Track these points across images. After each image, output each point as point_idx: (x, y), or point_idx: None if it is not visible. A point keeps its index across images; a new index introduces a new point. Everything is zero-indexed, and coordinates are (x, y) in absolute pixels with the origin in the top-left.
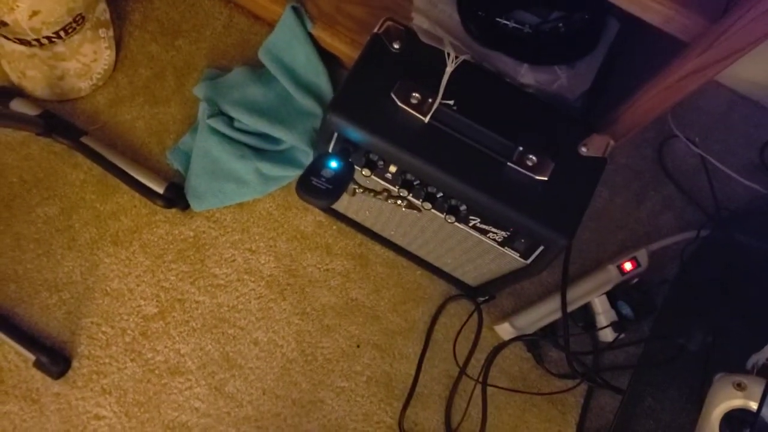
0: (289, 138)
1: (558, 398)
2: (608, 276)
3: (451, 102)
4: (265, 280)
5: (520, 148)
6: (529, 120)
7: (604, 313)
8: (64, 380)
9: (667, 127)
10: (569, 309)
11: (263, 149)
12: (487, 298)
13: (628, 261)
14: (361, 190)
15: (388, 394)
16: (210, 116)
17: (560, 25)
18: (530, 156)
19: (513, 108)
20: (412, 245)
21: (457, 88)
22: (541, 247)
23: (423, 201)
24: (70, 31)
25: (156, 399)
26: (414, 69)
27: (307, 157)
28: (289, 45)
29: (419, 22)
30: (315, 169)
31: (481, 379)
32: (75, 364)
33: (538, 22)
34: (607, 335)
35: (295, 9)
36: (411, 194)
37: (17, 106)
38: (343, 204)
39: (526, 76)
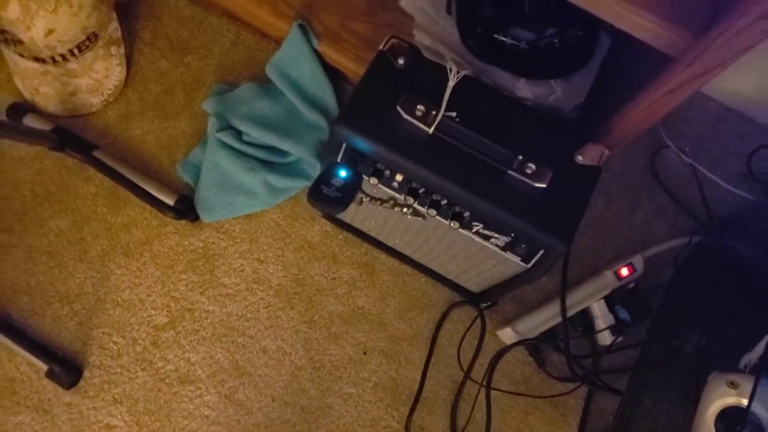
0: (296, 150)
1: (559, 401)
2: (606, 281)
3: (454, 114)
4: (274, 290)
5: (520, 157)
6: (527, 131)
7: (602, 318)
8: (75, 390)
9: (659, 138)
10: (569, 314)
11: (271, 162)
12: (489, 304)
13: (624, 267)
14: (368, 199)
15: (395, 399)
16: (219, 130)
17: (555, 41)
18: (529, 164)
19: (512, 119)
20: (416, 253)
21: (459, 101)
22: (541, 252)
23: (428, 208)
24: (83, 48)
25: (167, 407)
26: (418, 83)
27: (313, 169)
28: (295, 61)
29: (420, 38)
30: (325, 178)
31: (485, 383)
32: (86, 374)
33: (534, 39)
34: (606, 339)
35: (301, 26)
36: (417, 202)
37: (30, 121)
38: (349, 214)
39: (524, 89)
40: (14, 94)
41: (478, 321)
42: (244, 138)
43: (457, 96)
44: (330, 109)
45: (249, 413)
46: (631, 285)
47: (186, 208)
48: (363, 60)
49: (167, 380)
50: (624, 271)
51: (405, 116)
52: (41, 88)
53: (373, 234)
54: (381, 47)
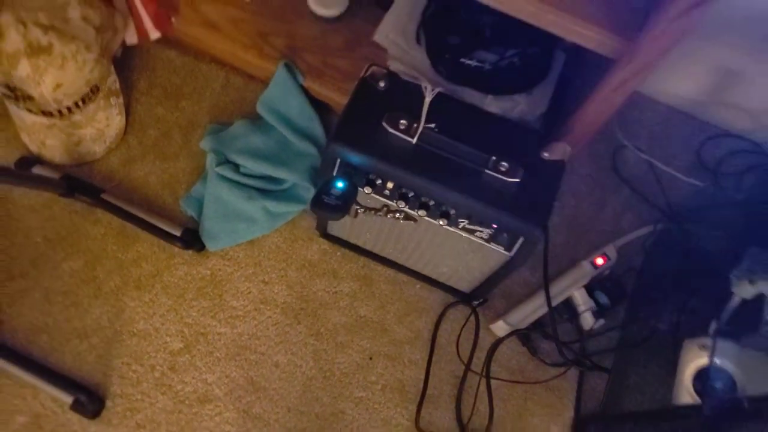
0: (290, 177)
1: (554, 385)
2: (584, 271)
3: (433, 125)
4: (280, 308)
5: (494, 158)
6: (498, 135)
7: (584, 304)
8: (99, 420)
9: (618, 140)
10: (553, 303)
11: (268, 190)
12: (481, 301)
13: (599, 257)
14: (363, 211)
15: (403, 398)
16: (218, 164)
17: (515, 60)
18: (503, 163)
19: (484, 126)
20: (410, 260)
21: (436, 114)
22: (521, 239)
23: (418, 210)
24: (86, 100)
25: (188, 428)
26: (399, 101)
27: (308, 193)
28: (283, 97)
29: (395, 67)
30: (325, 189)
31: (484, 373)
32: (109, 403)
33: (496, 60)
34: (589, 322)
35: (287, 65)
36: (407, 205)
37: (39, 171)
38: (345, 230)
39: (491, 105)
40: (21, 149)
41: (473, 318)
42: (242, 170)
43: (434, 110)
44: (318, 137)
45: (267, 425)
46: (607, 272)
47: (192, 239)
48: (345, 90)
49: (187, 402)
50: (599, 261)
51: (390, 130)
52: (48, 140)
53: (368, 247)
54: (363, 74)
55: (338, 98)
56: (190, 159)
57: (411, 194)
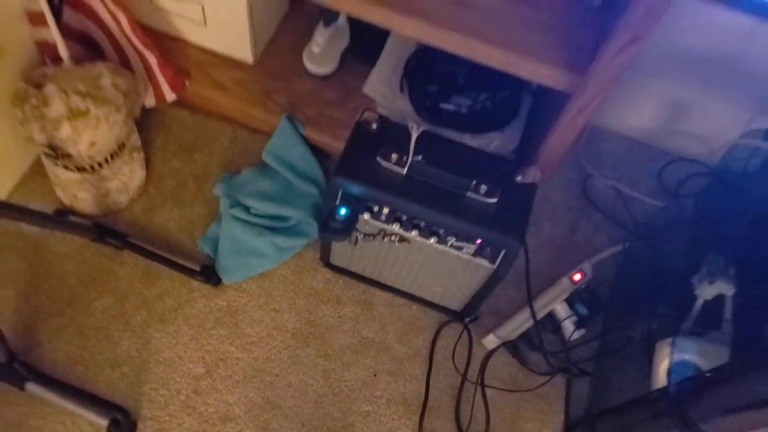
0: (295, 215)
1: (544, 392)
2: (563, 287)
3: (420, 157)
4: (291, 333)
5: (474, 182)
6: (477, 163)
7: (566, 316)
8: None
9: (585, 169)
10: (538, 317)
11: (276, 227)
12: (472, 318)
13: (576, 273)
14: (362, 236)
15: (406, 410)
16: (231, 207)
17: (488, 103)
18: (482, 186)
19: (464, 157)
20: (406, 283)
21: (423, 148)
22: (503, 251)
23: (411, 231)
24: (114, 156)
25: None
26: (390, 139)
27: (311, 228)
28: (286, 145)
29: (384, 112)
30: (331, 216)
31: (479, 382)
32: (140, 425)
33: (471, 103)
34: (571, 331)
35: (289, 118)
36: (401, 227)
37: (73, 220)
38: (346, 259)
39: (469, 143)
40: (56, 203)
41: (465, 334)
42: (252, 211)
43: (420, 145)
44: (318, 179)
45: None
46: (584, 286)
47: (209, 274)
48: (341, 137)
49: (210, 421)
50: (577, 276)
51: (384, 164)
52: (79, 193)
53: (367, 274)
54: (358, 118)
55: (335, 144)
56: (204, 205)
57: (404, 217)
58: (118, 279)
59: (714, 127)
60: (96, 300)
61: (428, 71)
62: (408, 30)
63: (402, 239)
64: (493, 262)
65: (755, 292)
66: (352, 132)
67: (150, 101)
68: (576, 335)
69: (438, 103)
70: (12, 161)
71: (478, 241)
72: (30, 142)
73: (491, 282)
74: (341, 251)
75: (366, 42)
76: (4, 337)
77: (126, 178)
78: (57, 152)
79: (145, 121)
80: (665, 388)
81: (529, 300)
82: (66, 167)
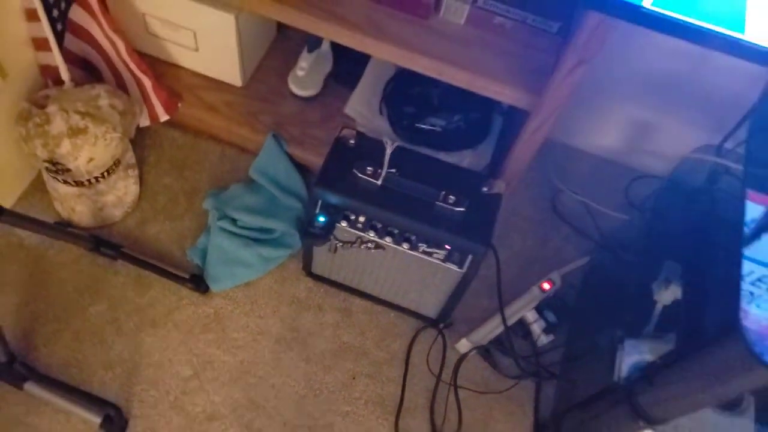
0: (279, 227)
1: (515, 394)
2: (533, 295)
3: (394, 170)
4: (274, 338)
5: (443, 192)
6: (447, 175)
7: (535, 322)
8: None
9: (555, 186)
10: (508, 323)
11: (261, 239)
12: (446, 323)
13: (545, 282)
14: (341, 245)
15: (383, 410)
16: (219, 219)
17: (461, 123)
18: (450, 196)
19: (435, 170)
20: (383, 291)
21: (397, 162)
22: (470, 256)
23: (385, 238)
24: (110, 172)
25: None
26: (366, 153)
27: (294, 239)
28: (272, 162)
29: (363, 130)
30: (311, 223)
31: (452, 383)
32: (131, 423)
33: (445, 123)
34: (539, 335)
35: (275, 136)
36: (376, 235)
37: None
38: (327, 269)
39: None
40: (54, 216)
41: (440, 339)
42: (239, 224)
43: (394, 159)
44: (302, 194)
45: None
46: (553, 294)
47: (198, 282)
48: (323, 154)
49: (197, 420)
50: (546, 285)
51: (360, 176)
52: (77, 207)
53: (347, 282)
54: (337, 134)
55: (317, 161)
56: (194, 218)
57: (379, 225)
58: (112, 287)
59: (674, 145)
60: (91, 306)
61: (406, 94)
62: (383, 53)
63: (377, 246)
64: (461, 266)
65: (699, 288)
66: (332, 147)
67: (144, 121)
68: (545, 340)
69: (414, 123)
70: (15, 176)
71: (447, 246)
72: (32, 157)
73: (461, 286)
74: (322, 261)
75: (348, 68)
76: (5, 338)
77: (121, 193)
78: (57, 167)
79: (139, 140)
80: (617, 379)
81: (500, 306)
82: (65, 182)
